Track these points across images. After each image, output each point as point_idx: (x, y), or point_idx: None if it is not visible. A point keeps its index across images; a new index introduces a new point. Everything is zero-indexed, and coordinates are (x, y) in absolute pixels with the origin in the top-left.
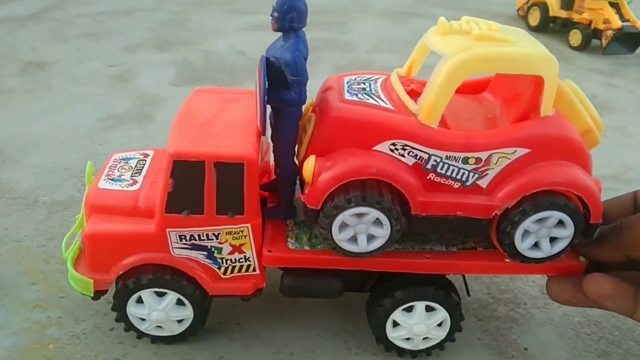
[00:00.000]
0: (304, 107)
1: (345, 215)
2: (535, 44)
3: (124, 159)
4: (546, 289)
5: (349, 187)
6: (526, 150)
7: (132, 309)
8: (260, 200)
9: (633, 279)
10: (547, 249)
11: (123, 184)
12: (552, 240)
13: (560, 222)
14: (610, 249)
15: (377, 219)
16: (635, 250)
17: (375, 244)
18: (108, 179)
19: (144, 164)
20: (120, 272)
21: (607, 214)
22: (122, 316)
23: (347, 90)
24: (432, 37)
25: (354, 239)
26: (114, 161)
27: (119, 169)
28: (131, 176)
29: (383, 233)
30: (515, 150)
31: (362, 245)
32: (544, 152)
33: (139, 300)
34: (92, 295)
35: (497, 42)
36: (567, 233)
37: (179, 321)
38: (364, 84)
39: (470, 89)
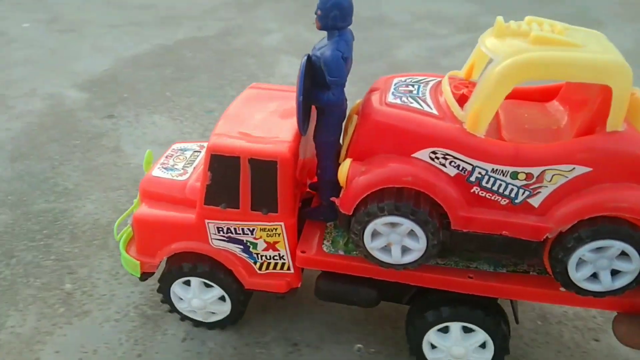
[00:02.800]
0: (348, 108)
1: (377, 224)
2: (608, 49)
3: (181, 149)
4: (612, 328)
5: (383, 194)
6: (587, 169)
7: (178, 289)
8: (306, 200)
9: None
10: (607, 283)
11: (174, 173)
12: (615, 272)
13: (624, 254)
14: None
15: (412, 230)
16: None
17: (410, 257)
18: (162, 167)
19: (198, 156)
20: (164, 257)
21: None
22: (166, 298)
23: (392, 93)
24: (486, 38)
25: (387, 249)
26: (172, 150)
27: (175, 159)
28: (183, 166)
29: (418, 246)
30: (574, 168)
31: (396, 257)
32: (609, 171)
33: (187, 283)
34: (140, 276)
35: (558, 45)
36: (632, 267)
37: (214, 313)
38: (413, 86)
39: (539, 96)
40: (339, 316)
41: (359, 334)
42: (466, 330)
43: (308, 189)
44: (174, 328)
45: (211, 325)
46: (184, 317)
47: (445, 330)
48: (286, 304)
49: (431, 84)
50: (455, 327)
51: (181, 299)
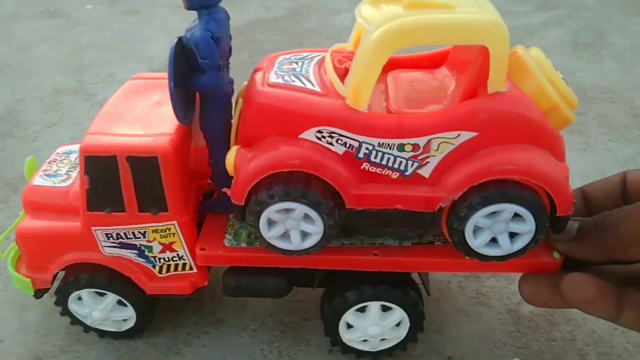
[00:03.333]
0: (236, 92)
1: (270, 212)
2: (484, 8)
3: (65, 153)
4: (519, 289)
5: (273, 180)
6: (473, 134)
7: (74, 307)
8: (209, 192)
9: (617, 275)
10: (506, 246)
11: (57, 179)
12: (513, 235)
13: (519, 216)
14: (591, 249)
15: (307, 214)
16: (620, 252)
17: (310, 241)
18: (44, 174)
19: None
20: (56, 271)
21: (591, 199)
22: (65, 311)
23: (275, 72)
24: (362, 7)
25: (286, 236)
26: (55, 155)
27: (58, 164)
28: (67, 171)
29: (315, 229)
30: (459, 134)
31: (296, 243)
32: (495, 135)
33: (80, 298)
34: (33, 293)
35: (432, 8)
36: (527, 228)
37: (124, 320)
38: (297, 63)
39: (429, 62)
40: (489, 327)
41: (514, 346)
42: (385, 309)
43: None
44: (317, 338)
45: (129, 332)
46: (87, 329)
47: (363, 309)
48: (429, 314)
49: (316, 59)
50: (374, 306)
51: (82, 314)
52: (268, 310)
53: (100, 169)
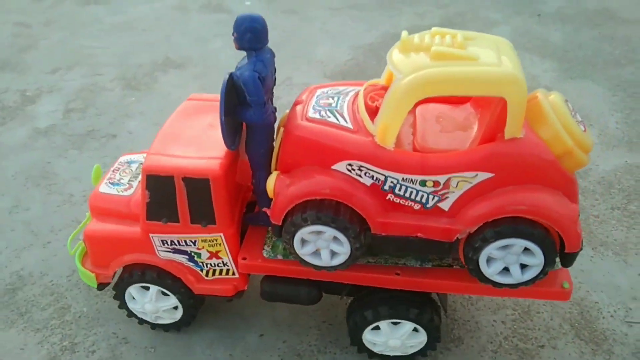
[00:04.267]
0: (279, 119)
1: (303, 233)
2: (506, 59)
3: (127, 162)
4: None
5: (307, 205)
6: (489, 175)
7: (131, 305)
8: (250, 205)
9: None
10: (517, 276)
11: (120, 188)
12: (524, 266)
13: (529, 249)
14: None
15: (335, 236)
16: None
17: (338, 260)
18: (109, 182)
19: None
20: (117, 268)
21: None
22: (122, 304)
23: (313, 107)
24: (392, 53)
25: (318, 253)
26: (118, 164)
27: (121, 173)
28: (129, 180)
29: (343, 250)
30: (477, 175)
31: (326, 260)
32: (510, 175)
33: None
34: (96, 286)
35: (456, 59)
36: (537, 261)
37: (174, 309)
38: (333, 98)
39: (458, 98)
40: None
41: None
42: (396, 323)
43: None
44: None
45: (177, 325)
46: (141, 321)
47: (377, 327)
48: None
49: (350, 94)
50: (384, 323)
51: (134, 299)
52: (502, 334)
53: (159, 186)
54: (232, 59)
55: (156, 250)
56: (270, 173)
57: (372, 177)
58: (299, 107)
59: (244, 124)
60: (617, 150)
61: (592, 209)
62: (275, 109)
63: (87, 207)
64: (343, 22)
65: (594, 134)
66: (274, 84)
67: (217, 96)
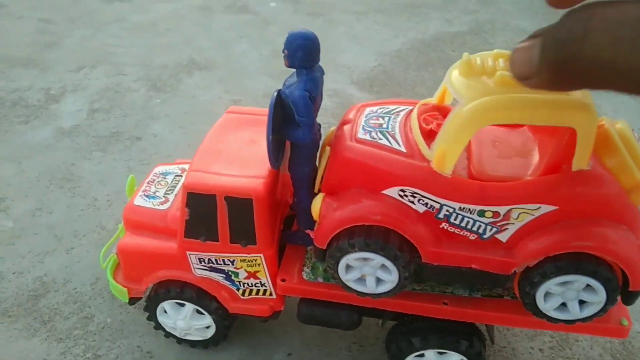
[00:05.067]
0: (322, 138)
1: (350, 259)
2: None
3: (162, 174)
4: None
5: (354, 230)
6: (553, 207)
7: (162, 319)
8: (289, 220)
9: None
10: (575, 312)
11: (156, 201)
12: (583, 302)
13: (590, 286)
14: None
15: (384, 264)
16: None
17: (384, 288)
18: (144, 195)
19: (179, 181)
20: (150, 284)
21: None
22: (152, 317)
23: (363, 127)
24: (453, 75)
25: (362, 280)
26: (153, 175)
27: (156, 185)
28: (164, 193)
29: (391, 279)
30: (540, 207)
31: (371, 287)
32: (575, 209)
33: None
34: (128, 301)
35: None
36: (598, 299)
37: (207, 327)
38: (383, 118)
39: None
40: None
41: None
42: (442, 352)
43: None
44: None
45: (205, 343)
46: (167, 334)
47: (421, 355)
48: None
49: (402, 114)
50: (431, 352)
51: (166, 313)
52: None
53: (200, 204)
54: (257, 62)
55: (192, 268)
56: (312, 192)
57: (426, 204)
58: (347, 127)
59: (288, 141)
60: None
61: None
62: (319, 126)
63: (110, 212)
64: (369, 26)
65: None
66: (321, 101)
67: (256, 110)
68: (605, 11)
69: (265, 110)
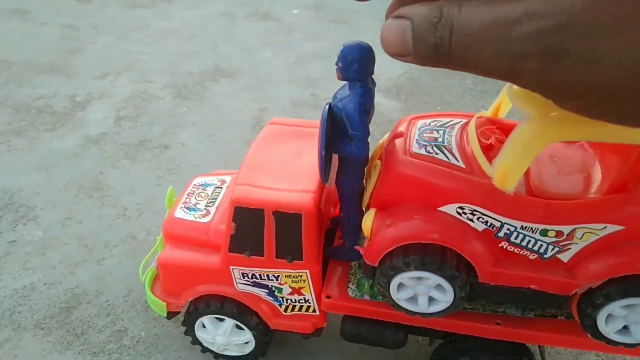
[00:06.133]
0: (371, 151)
1: (404, 277)
2: None
3: (202, 185)
4: None
5: (409, 248)
6: (619, 227)
7: (200, 334)
8: (328, 234)
9: None
10: (638, 336)
11: (197, 214)
12: None
13: None
14: None
15: (439, 284)
16: None
17: (438, 307)
18: (185, 207)
19: (220, 193)
20: (190, 298)
21: None
22: (189, 331)
23: (417, 140)
24: (514, 88)
25: (415, 299)
26: (193, 187)
27: (196, 196)
28: (205, 206)
29: (445, 298)
30: (606, 227)
31: (423, 307)
32: None
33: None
34: (166, 315)
35: None
36: None
37: (245, 343)
38: (438, 132)
39: None
40: None
41: None
42: None
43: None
44: None
45: (221, 357)
46: (204, 349)
47: None
48: None
49: (457, 127)
50: None
51: (205, 327)
52: None
53: (247, 218)
54: (282, 69)
55: (235, 283)
56: (360, 207)
57: (486, 222)
58: (399, 141)
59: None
60: None
61: None
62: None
63: (141, 222)
64: None
65: None
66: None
67: (299, 121)
68: (469, 16)
69: (308, 121)
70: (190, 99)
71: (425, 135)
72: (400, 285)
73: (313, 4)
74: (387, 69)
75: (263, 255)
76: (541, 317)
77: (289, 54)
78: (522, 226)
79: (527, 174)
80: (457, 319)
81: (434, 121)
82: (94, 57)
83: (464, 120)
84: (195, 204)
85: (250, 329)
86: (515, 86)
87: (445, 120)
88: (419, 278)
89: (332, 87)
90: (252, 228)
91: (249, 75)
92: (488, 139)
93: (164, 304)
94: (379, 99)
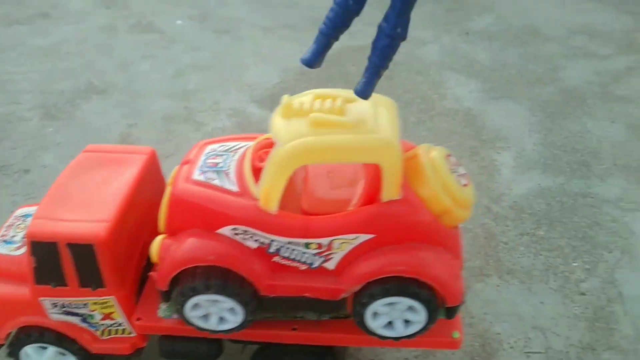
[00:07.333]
0: (170, 176)
1: (201, 299)
2: (382, 124)
3: (23, 216)
4: None
5: (195, 272)
6: (370, 236)
7: (31, 352)
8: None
9: None
10: (400, 330)
11: (12, 247)
12: (407, 321)
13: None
14: None
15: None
16: None
17: (228, 325)
18: (2, 240)
19: None
20: (10, 330)
21: None
22: None
23: (200, 167)
24: (276, 116)
25: (207, 317)
26: (14, 218)
27: (15, 228)
28: (22, 237)
29: (235, 319)
30: (357, 237)
31: (213, 325)
32: (391, 236)
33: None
34: None
35: (333, 127)
36: (420, 318)
37: None
38: (222, 156)
39: None
40: None
41: None
42: None
43: None
44: None
45: None
46: None
47: None
48: None
49: (240, 152)
50: None
51: (29, 356)
52: None
53: (45, 252)
54: (158, 82)
55: (47, 313)
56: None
57: (257, 240)
58: (185, 167)
59: None
60: (531, 173)
61: (502, 236)
62: None
63: None
64: (275, 43)
65: (511, 156)
66: None
67: (117, 147)
68: None
69: (124, 147)
70: (59, 119)
71: (209, 160)
72: (196, 305)
73: (198, 14)
74: (263, 79)
75: (67, 285)
76: (336, 318)
77: (168, 67)
78: (288, 242)
79: (303, 192)
80: (257, 328)
81: (221, 146)
82: None
83: (250, 144)
84: (12, 237)
85: (73, 354)
86: (274, 114)
87: (232, 144)
88: (215, 300)
89: (207, 98)
90: (51, 260)
91: (122, 90)
92: (263, 162)
93: None
94: (252, 109)
